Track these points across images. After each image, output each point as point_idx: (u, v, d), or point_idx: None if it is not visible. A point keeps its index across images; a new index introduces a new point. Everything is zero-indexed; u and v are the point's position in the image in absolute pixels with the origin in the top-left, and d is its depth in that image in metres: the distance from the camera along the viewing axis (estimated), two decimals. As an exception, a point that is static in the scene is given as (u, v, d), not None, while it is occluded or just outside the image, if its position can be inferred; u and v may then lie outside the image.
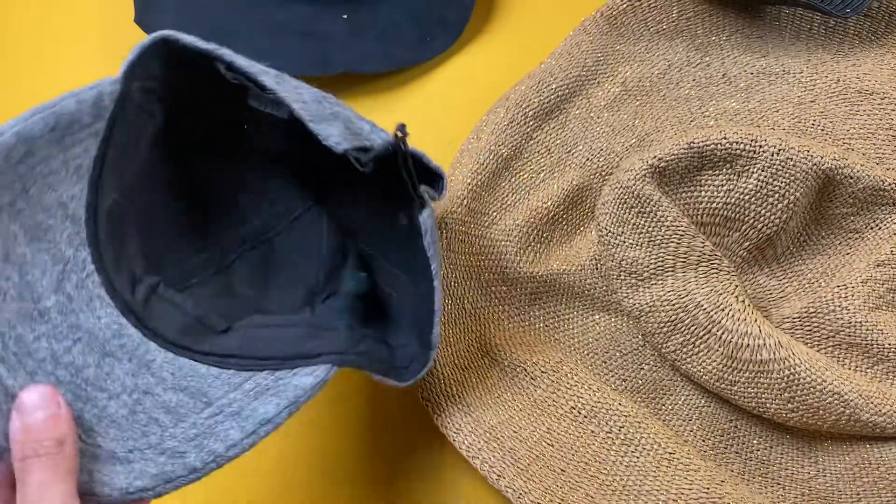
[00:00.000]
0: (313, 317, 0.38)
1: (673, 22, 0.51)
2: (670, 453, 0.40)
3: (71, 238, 0.32)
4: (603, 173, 0.49)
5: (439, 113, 0.54)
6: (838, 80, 0.49)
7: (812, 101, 0.49)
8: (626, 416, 0.41)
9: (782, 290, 0.46)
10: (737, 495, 0.39)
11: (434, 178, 0.36)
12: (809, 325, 0.43)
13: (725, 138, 0.43)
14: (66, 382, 0.31)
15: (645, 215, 0.43)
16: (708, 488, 0.39)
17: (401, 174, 0.34)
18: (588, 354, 0.46)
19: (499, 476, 0.41)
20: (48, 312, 0.31)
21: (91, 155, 0.32)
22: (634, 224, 0.43)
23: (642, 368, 0.45)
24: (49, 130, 0.30)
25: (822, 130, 0.48)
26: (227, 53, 0.33)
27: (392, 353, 0.37)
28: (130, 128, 0.33)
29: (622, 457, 0.41)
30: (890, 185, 0.43)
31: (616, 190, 0.44)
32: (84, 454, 0.30)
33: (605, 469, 0.41)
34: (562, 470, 0.41)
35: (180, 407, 0.32)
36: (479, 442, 0.42)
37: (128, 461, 0.31)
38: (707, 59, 0.51)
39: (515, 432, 0.42)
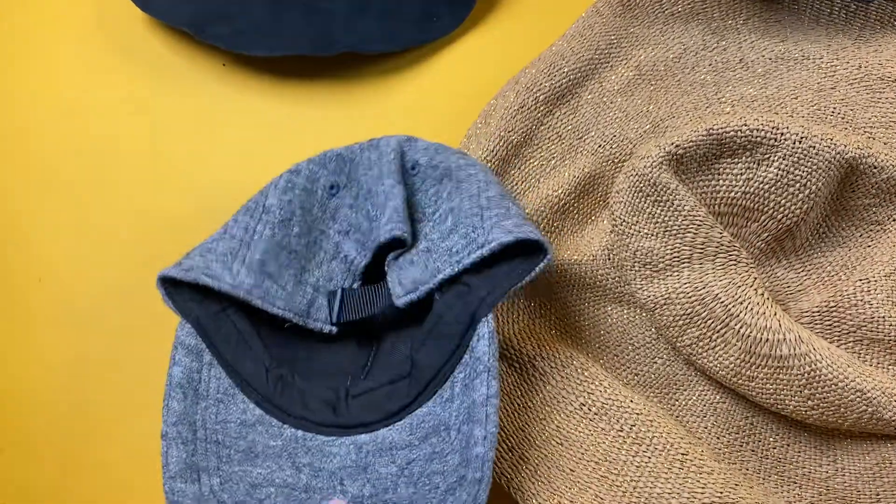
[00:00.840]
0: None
1: (689, 4, 0.49)
2: (683, 454, 0.39)
3: (269, 433, 0.37)
4: (616, 160, 0.47)
5: (445, 96, 0.52)
6: (860, 67, 0.47)
7: (832, 88, 0.47)
8: (637, 413, 0.40)
9: (801, 284, 0.44)
10: (751, 500, 0.37)
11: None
12: (830, 320, 0.42)
13: (746, 125, 0.41)
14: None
15: (661, 204, 0.41)
16: (721, 492, 0.37)
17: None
18: (599, 348, 0.44)
19: (508, 478, 0.40)
20: (308, 484, 0.36)
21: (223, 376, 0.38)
22: (650, 213, 0.42)
23: (655, 362, 0.44)
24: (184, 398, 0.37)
25: (843, 118, 0.47)
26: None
27: None
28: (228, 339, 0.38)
29: (633, 457, 0.40)
30: (915, 175, 0.41)
31: (631, 177, 0.42)
32: None
33: (616, 469, 0.40)
34: (571, 470, 0.40)
35: (437, 448, 0.36)
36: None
37: None
38: (723, 43, 0.49)
39: (524, 431, 0.41)
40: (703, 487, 0.38)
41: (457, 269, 0.36)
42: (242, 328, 0.38)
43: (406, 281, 0.37)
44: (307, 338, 0.40)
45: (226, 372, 0.37)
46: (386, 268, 0.39)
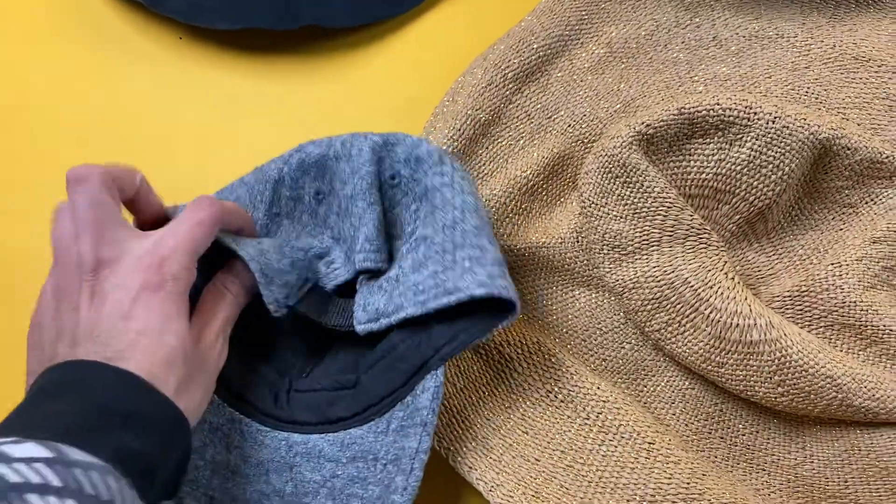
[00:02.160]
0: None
1: (662, -21, 0.48)
2: (650, 443, 0.38)
3: (213, 410, 0.37)
4: (585, 141, 0.46)
5: (412, 72, 0.50)
6: (834, 46, 0.46)
7: (806, 68, 0.46)
8: (604, 401, 0.39)
9: (772, 267, 0.43)
10: (718, 491, 0.37)
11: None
12: (801, 305, 0.41)
13: (718, 104, 0.40)
14: None
15: (630, 185, 0.40)
16: (688, 483, 0.37)
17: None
18: (567, 332, 0.43)
19: (470, 468, 0.38)
20: (238, 468, 0.36)
21: None
22: (619, 195, 0.41)
23: (623, 348, 0.43)
24: None
25: (816, 98, 0.46)
26: None
27: None
28: None
29: (599, 445, 0.39)
30: (887, 157, 0.41)
31: (601, 158, 0.41)
32: None
33: (581, 458, 0.38)
34: (536, 459, 0.39)
35: (361, 474, 0.36)
36: (451, 432, 0.39)
37: None
38: (697, 20, 0.48)
39: (489, 420, 0.40)
40: (669, 478, 0.37)
41: (419, 312, 0.35)
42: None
43: (370, 308, 0.36)
44: (262, 316, 0.38)
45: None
46: (357, 286, 0.38)
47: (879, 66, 0.45)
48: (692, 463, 0.37)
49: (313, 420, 0.36)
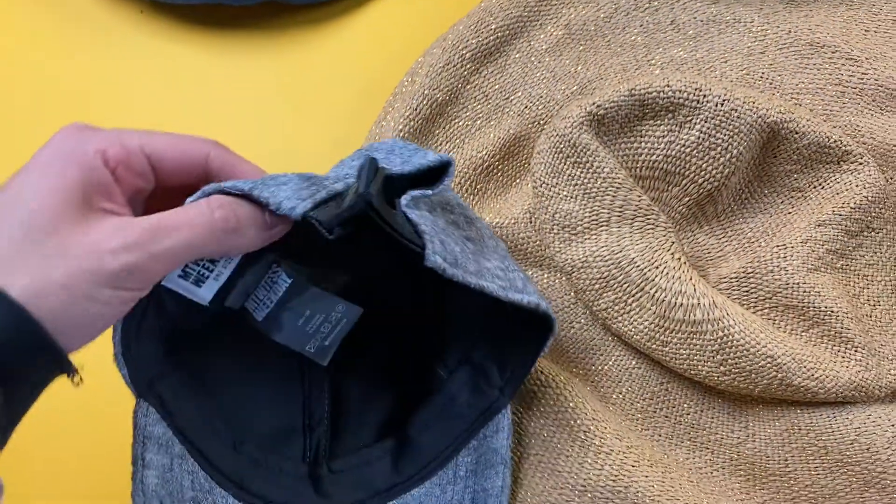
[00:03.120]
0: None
1: (622, -38, 0.48)
2: (585, 431, 0.38)
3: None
4: (541, 122, 0.46)
5: (374, 51, 0.50)
6: (789, 32, 0.47)
7: (762, 53, 0.47)
8: (545, 386, 0.39)
9: (721, 249, 0.44)
10: (646, 483, 0.37)
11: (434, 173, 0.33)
12: (747, 286, 0.41)
13: (668, 86, 0.40)
14: None
15: (581, 166, 0.41)
16: (617, 475, 0.37)
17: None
18: (518, 312, 0.44)
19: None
20: None
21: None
22: (570, 175, 0.41)
23: (573, 327, 0.43)
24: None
25: (771, 84, 0.46)
26: None
27: None
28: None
29: (539, 429, 0.39)
30: (835, 142, 0.41)
31: (552, 138, 0.41)
32: None
33: (525, 441, 0.39)
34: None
35: None
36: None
37: None
38: (655, 3, 0.48)
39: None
40: (599, 469, 0.37)
41: (500, 295, 0.30)
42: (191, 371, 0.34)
43: (449, 249, 0.30)
44: (253, 372, 0.37)
45: (199, 464, 0.33)
46: (404, 207, 0.30)
47: (833, 53, 0.46)
48: (624, 453, 0.37)
49: (363, 497, 0.34)
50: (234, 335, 0.36)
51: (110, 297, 0.26)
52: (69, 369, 0.26)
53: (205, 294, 0.31)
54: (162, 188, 0.31)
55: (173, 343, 0.33)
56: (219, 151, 0.31)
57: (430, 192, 0.30)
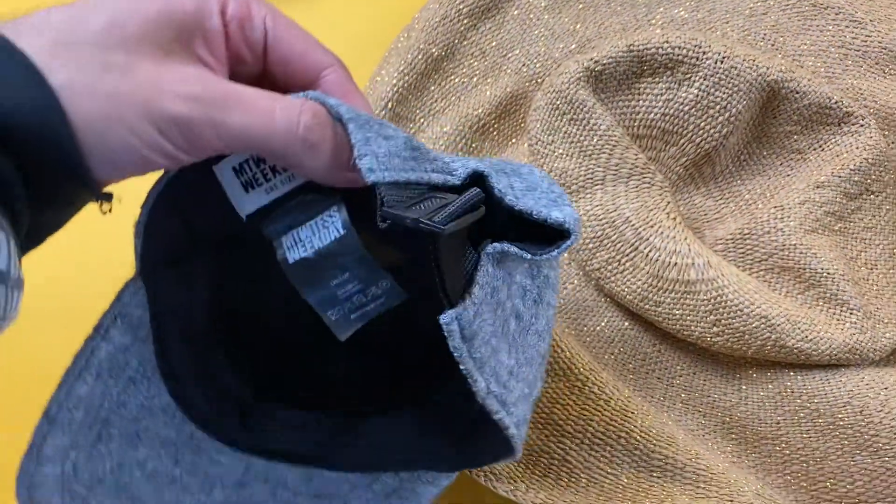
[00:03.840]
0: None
1: (624, -81, 0.47)
2: (582, 381, 0.37)
3: (168, 423, 0.32)
4: (539, 80, 0.45)
5: (371, 7, 0.49)
6: (793, -8, 0.46)
7: (764, 14, 0.46)
8: (543, 335, 0.39)
9: (718, 211, 0.43)
10: (645, 427, 0.37)
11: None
12: (743, 247, 0.41)
13: (667, 42, 0.39)
14: None
15: (577, 123, 0.40)
16: (616, 421, 0.36)
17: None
18: (511, 272, 0.43)
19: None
20: (179, 479, 0.33)
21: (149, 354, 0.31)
22: (566, 132, 0.40)
23: (566, 288, 0.43)
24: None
25: (773, 45, 0.45)
26: None
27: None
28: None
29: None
30: (836, 103, 0.40)
31: (549, 94, 0.40)
32: None
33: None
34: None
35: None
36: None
37: None
38: (658, -38, 0.47)
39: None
40: (599, 414, 0.37)
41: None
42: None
43: (483, 336, 0.27)
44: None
45: (155, 352, 0.31)
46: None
47: (837, 14, 0.45)
48: (623, 402, 0.37)
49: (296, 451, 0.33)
50: (245, 262, 0.33)
51: (151, 141, 0.23)
52: (90, 182, 0.23)
53: (247, 204, 0.28)
54: (264, 80, 0.28)
55: (192, 240, 0.31)
56: (340, 73, 0.28)
57: (527, 255, 0.27)
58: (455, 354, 0.25)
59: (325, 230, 0.30)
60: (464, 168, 0.27)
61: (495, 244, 0.26)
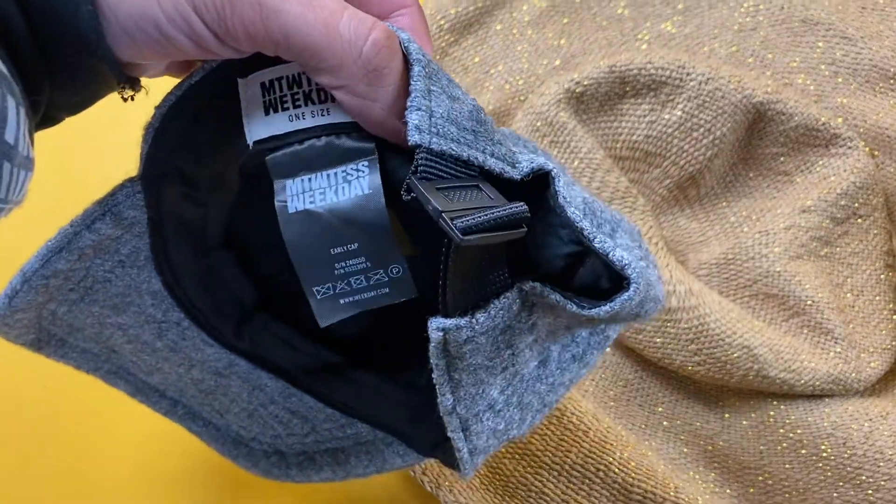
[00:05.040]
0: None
1: (611, -69, 0.46)
2: (560, 411, 0.37)
3: (156, 305, 0.29)
4: (521, 97, 0.44)
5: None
6: (783, 8, 0.45)
7: (753, 29, 0.45)
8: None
9: (703, 234, 0.42)
10: (623, 459, 0.36)
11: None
12: (727, 273, 0.40)
13: (651, 63, 0.38)
14: (190, 390, 0.32)
15: (558, 145, 0.39)
16: (594, 453, 0.36)
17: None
18: (492, 294, 0.42)
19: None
20: (160, 351, 0.31)
21: (144, 246, 0.28)
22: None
23: (548, 312, 0.42)
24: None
25: (762, 62, 0.44)
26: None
27: None
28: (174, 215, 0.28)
29: (513, 407, 0.38)
30: (823, 124, 0.39)
31: (529, 116, 0.39)
32: (218, 427, 0.33)
33: (496, 419, 0.38)
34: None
35: (290, 424, 0.32)
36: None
37: (248, 446, 0.33)
38: (645, -25, 0.46)
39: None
40: (577, 447, 0.36)
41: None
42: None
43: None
44: None
45: (155, 259, 0.27)
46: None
47: (827, 31, 0.44)
48: (602, 433, 0.36)
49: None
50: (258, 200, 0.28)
51: (178, 9, 0.20)
52: (106, 54, 0.20)
53: (261, 128, 0.24)
54: None
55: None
56: (416, 16, 0.24)
57: (572, 307, 0.23)
58: (431, 361, 0.23)
59: (346, 184, 0.25)
60: (529, 163, 0.23)
61: (535, 284, 0.23)
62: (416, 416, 0.29)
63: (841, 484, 0.37)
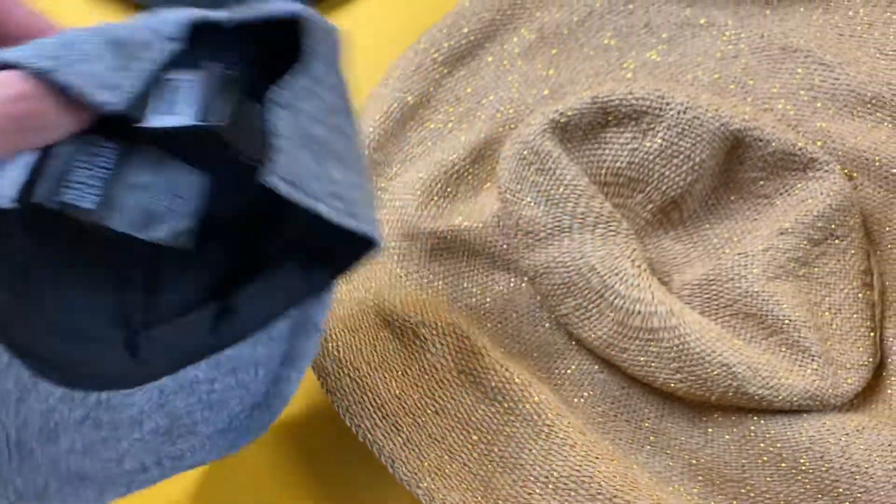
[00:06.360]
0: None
1: (597, -35, 0.48)
2: (549, 425, 0.39)
3: None
4: (512, 125, 0.46)
5: (352, 55, 0.50)
6: (763, 36, 0.46)
7: (735, 57, 0.47)
8: (511, 382, 0.40)
9: (687, 255, 0.44)
10: (609, 474, 0.38)
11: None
12: (709, 293, 0.42)
13: (631, 94, 0.40)
14: None
15: (544, 173, 0.41)
16: (580, 466, 0.38)
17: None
18: (484, 314, 0.44)
19: (380, 446, 0.40)
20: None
21: None
22: (533, 182, 0.41)
23: (538, 331, 0.44)
24: None
25: (743, 88, 0.46)
26: None
27: None
28: None
29: (503, 426, 0.40)
30: (800, 149, 0.41)
31: (516, 145, 0.41)
32: None
33: (487, 438, 0.40)
34: (442, 437, 0.40)
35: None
36: (363, 409, 0.41)
37: None
38: (630, 6, 0.48)
39: (399, 398, 0.41)
40: (563, 460, 0.38)
41: (337, 221, 0.28)
42: None
43: (301, 169, 0.26)
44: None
45: (12, 351, 0.28)
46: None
47: (806, 57, 0.46)
48: (587, 447, 0.38)
49: (179, 357, 0.32)
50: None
51: None
52: None
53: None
54: None
55: None
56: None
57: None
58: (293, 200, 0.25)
59: (98, 158, 0.27)
60: (173, 25, 0.23)
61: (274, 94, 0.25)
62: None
63: (820, 497, 0.39)
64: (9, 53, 0.21)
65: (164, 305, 0.32)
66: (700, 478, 0.41)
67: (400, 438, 0.40)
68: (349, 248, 0.31)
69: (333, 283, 0.33)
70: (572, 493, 0.38)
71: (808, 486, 0.39)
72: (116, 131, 0.26)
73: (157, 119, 0.24)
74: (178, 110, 0.23)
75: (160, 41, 0.23)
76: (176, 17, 0.24)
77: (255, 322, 0.32)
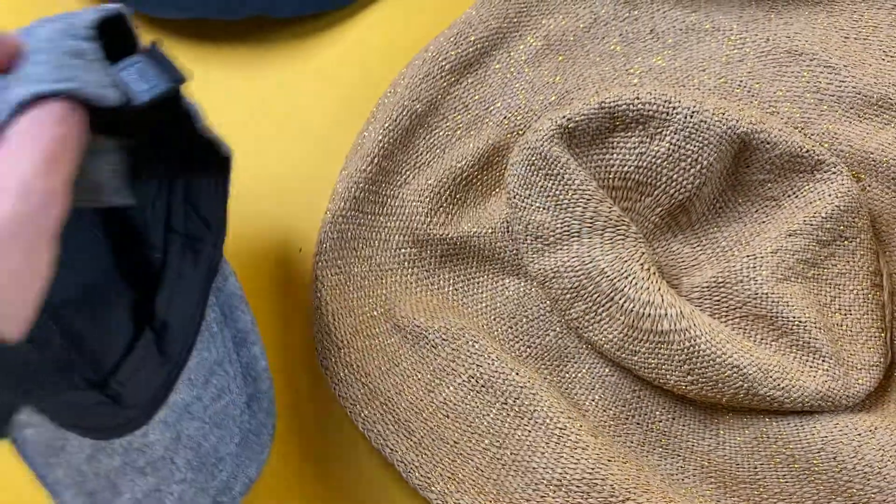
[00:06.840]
0: None
1: (602, -28, 0.49)
2: (561, 428, 0.39)
3: None
4: (519, 132, 0.47)
5: (358, 63, 0.51)
6: (768, 40, 0.47)
7: (740, 61, 0.47)
8: (522, 386, 0.40)
9: (695, 258, 0.44)
10: (621, 476, 0.38)
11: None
12: (718, 295, 0.42)
13: (638, 98, 0.41)
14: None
15: (552, 178, 0.41)
16: (593, 469, 0.38)
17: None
18: (494, 319, 0.44)
19: (392, 450, 0.40)
20: None
21: None
22: (542, 187, 0.42)
23: (548, 335, 0.44)
24: None
25: (749, 92, 0.46)
26: None
27: None
28: None
29: (514, 430, 0.40)
30: (807, 151, 0.41)
31: (524, 151, 0.42)
32: None
33: (498, 441, 0.40)
34: (455, 442, 0.40)
35: (223, 383, 0.36)
36: (375, 414, 0.41)
37: None
38: (636, 12, 0.48)
39: (412, 403, 0.41)
40: (576, 462, 0.38)
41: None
42: None
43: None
44: None
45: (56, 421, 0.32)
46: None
47: (811, 60, 0.46)
48: (599, 449, 0.38)
49: (155, 390, 0.34)
50: None
51: None
52: None
53: None
54: None
55: None
56: None
57: None
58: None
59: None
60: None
61: None
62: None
63: (834, 498, 0.39)
64: (43, 86, 0.22)
65: (106, 353, 0.34)
66: (713, 480, 0.41)
67: (412, 443, 0.40)
68: (217, 203, 0.34)
69: (219, 252, 0.34)
70: (585, 496, 0.38)
71: (821, 487, 0.39)
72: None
73: (146, 94, 0.26)
74: (152, 82, 0.26)
75: (86, 42, 0.26)
76: (77, 21, 0.26)
77: (187, 321, 0.34)
